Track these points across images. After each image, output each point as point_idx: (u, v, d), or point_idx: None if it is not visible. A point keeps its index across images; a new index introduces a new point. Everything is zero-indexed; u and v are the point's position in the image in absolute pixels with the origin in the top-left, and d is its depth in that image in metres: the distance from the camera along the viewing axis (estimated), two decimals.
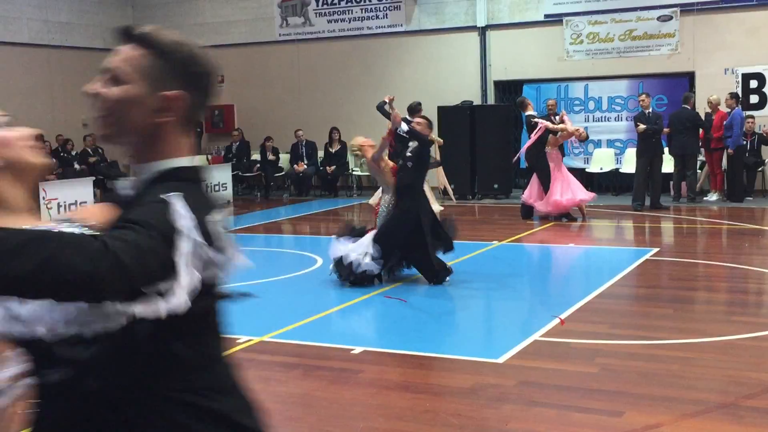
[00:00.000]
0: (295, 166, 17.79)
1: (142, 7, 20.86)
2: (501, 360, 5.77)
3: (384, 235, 8.13)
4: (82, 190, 14.33)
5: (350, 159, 18.23)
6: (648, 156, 13.84)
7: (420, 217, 8.05)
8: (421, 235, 8.03)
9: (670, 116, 14.49)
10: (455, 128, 16.19)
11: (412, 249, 8.17)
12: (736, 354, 5.78)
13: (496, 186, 16.10)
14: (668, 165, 14.73)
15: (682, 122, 14.17)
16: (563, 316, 6.87)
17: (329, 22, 18.88)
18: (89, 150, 18.09)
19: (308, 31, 19.10)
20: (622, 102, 16.57)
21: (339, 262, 8.19)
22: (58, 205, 13.82)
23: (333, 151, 17.68)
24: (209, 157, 19.46)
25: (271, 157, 18.27)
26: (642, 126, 13.68)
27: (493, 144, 16.15)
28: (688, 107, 14.29)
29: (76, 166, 17.51)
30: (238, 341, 6.40)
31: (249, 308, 7.52)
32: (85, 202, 14.29)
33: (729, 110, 14.31)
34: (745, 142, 14.60)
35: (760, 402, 4.86)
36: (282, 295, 8.18)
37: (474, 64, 17.53)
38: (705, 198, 14.74)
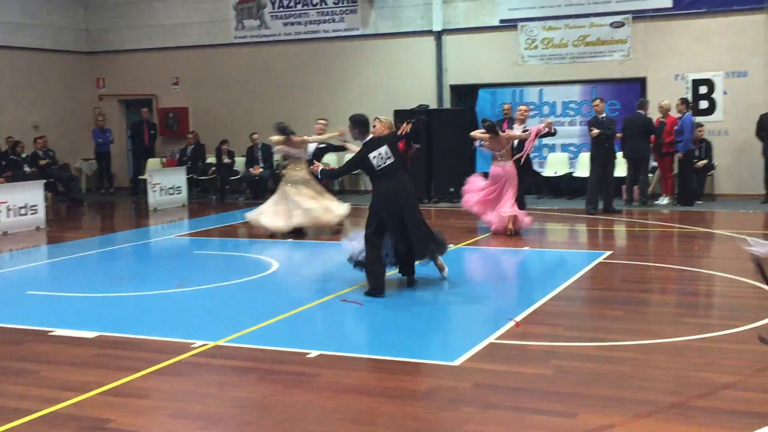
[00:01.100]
0: (250, 169, 17.67)
1: (95, 7, 20.59)
2: (457, 363, 5.79)
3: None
4: (33, 193, 14.06)
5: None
6: (601, 160, 14.05)
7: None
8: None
9: (623, 121, 14.72)
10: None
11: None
12: (687, 355, 5.88)
13: (452, 189, 16.16)
14: (621, 169, 14.96)
15: (635, 127, 14.41)
16: (518, 318, 6.93)
17: (285, 25, 18.83)
18: (40, 153, 17.78)
19: (264, 33, 19.03)
20: (576, 107, 16.79)
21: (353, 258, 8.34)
22: (8, 209, 13.55)
23: None
24: (163, 160, 19.27)
25: (226, 160, 18.15)
26: (596, 130, 13.89)
27: (449, 148, 16.25)
28: (643, 112, 14.53)
29: (27, 168, 17.18)
30: (192, 346, 6.34)
31: (204, 312, 7.52)
32: (36, 206, 14.03)
33: (680, 115, 14.58)
34: (694, 148, 14.88)
35: (709, 402, 4.95)
36: (237, 299, 8.12)
37: (430, 68, 17.61)
38: (656, 202, 14.99)
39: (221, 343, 6.43)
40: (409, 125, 8.31)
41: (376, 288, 7.97)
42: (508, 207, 11.60)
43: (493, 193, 11.76)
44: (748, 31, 15.45)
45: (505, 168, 11.73)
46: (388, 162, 8.18)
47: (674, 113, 14.80)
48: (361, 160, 8.33)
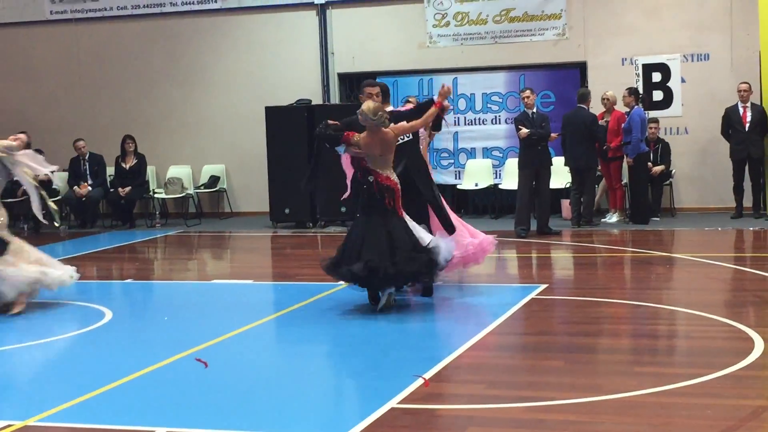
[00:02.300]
0: (75, 188, 17.32)
1: None
2: None
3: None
4: None
5: (150, 177, 17.97)
6: (533, 168, 14.32)
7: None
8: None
9: (562, 119, 15.05)
10: (289, 135, 16.25)
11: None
12: (639, 414, 6.02)
13: (343, 209, 16.14)
14: (558, 179, 15.29)
15: (577, 127, 14.70)
16: (427, 375, 6.97)
17: None
18: None
19: (90, 8, 18.73)
20: (500, 100, 17.12)
21: None
22: None
23: (127, 167, 17.37)
24: None
25: (42, 176, 17.70)
26: (524, 130, 14.16)
27: (338, 155, 16.24)
28: (585, 107, 14.89)
29: None
30: None
31: (8, 381, 7.30)
32: None
33: (627, 109, 15.02)
34: (647, 150, 15.35)
35: None
36: (56, 362, 7.94)
37: (312, 52, 17.68)
38: (603, 219, 15.37)
39: (32, 422, 6.25)
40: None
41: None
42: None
43: None
44: (708, 3, 16.08)
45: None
46: None
47: (621, 107, 15.23)
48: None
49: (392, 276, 9.04)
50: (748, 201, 15.29)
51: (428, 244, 9.19)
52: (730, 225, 14.59)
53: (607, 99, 15.32)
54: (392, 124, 9.32)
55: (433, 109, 9.56)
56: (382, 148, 9.27)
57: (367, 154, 9.31)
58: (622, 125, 14.98)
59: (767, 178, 15.32)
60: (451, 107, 9.76)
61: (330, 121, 9.57)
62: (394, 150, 9.40)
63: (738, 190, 15.22)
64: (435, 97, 9.79)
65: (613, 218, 15.43)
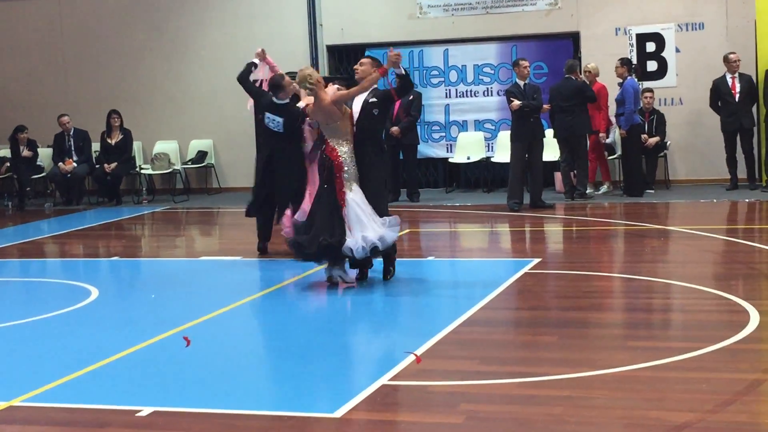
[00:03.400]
0: (60, 164, 17.28)
1: None
2: (338, 414, 5.78)
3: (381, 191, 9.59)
4: None
5: (137, 153, 17.92)
6: (525, 141, 14.30)
7: None
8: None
9: (550, 89, 15.03)
10: None
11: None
12: (633, 389, 6.03)
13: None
14: (551, 151, 15.29)
15: (566, 97, 14.70)
16: (419, 351, 6.97)
17: None
18: None
19: None
20: (492, 72, 17.09)
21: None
22: None
23: (113, 142, 17.31)
24: None
25: (25, 152, 17.70)
26: (516, 102, 14.13)
27: None
28: (573, 78, 14.88)
29: None
30: None
31: None
32: None
33: (620, 80, 15.01)
34: (642, 122, 15.36)
35: None
36: (41, 341, 7.91)
37: (300, 24, 17.63)
38: (589, 191, 15.31)
39: (16, 402, 6.24)
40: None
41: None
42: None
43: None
44: None
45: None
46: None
47: (604, 80, 15.22)
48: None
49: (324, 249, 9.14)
50: (742, 173, 15.30)
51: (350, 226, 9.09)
52: (725, 197, 14.61)
53: (589, 71, 15.30)
54: (336, 92, 9.30)
55: (374, 75, 9.27)
56: (324, 116, 9.24)
57: (314, 121, 9.70)
58: (615, 97, 14.99)
59: (762, 149, 15.35)
60: (403, 71, 9.18)
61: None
62: (343, 119, 9.25)
63: (731, 162, 15.24)
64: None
65: (602, 189, 15.48)
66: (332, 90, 9.38)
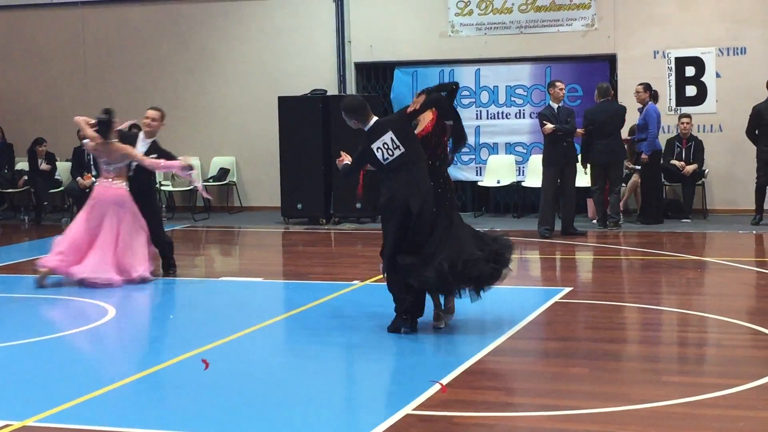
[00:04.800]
0: (79, 178, 17.34)
1: None
2: None
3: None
4: None
5: None
6: (558, 165, 14.28)
7: None
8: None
9: (585, 113, 14.98)
10: (302, 126, 16.28)
11: None
12: (666, 425, 6.01)
13: (358, 206, 16.19)
14: (584, 177, 15.25)
15: (607, 120, 14.56)
16: (445, 381, 6.97)
17: None
18: None
19: None
20: (525, 93, 17.10)
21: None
22: None
23: None
24: None
25: (44, 166, 17.82)
26: (549, 125, 14.11)
27: (354, 148, 16.19)
28: (610, 99, 14.83)
29: None
30: None
31: (6, 380, 7.32)
32: None
33: (640, 105, 15.10)
34: (680, 149, 15.36)
35: None
36: (56, 361, 7.95)
37: (328, 40, 17.69)
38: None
39: (30, 423, 6.27)
40: (421, 97, 8.42)
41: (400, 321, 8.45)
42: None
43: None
44: None
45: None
46: (396, 154, 8.29)
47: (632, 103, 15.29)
48: (363, 154, 8.55)
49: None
50: None
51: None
52: (765, 228, 14.52)
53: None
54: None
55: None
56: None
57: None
58: (637, 121, 15.00)
59: None
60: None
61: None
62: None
63: (761, 193, 15.08)
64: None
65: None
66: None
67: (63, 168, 18.23)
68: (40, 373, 7.59)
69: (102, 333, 8.95)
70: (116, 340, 8.74)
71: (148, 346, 8.45)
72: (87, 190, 17.28)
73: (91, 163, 17.44)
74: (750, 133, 15.13)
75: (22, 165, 18.29)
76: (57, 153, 18.10)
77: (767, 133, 14.90)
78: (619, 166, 14.97)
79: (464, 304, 9.24)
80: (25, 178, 18.02)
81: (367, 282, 10.94)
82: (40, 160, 17.79)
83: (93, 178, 17.28)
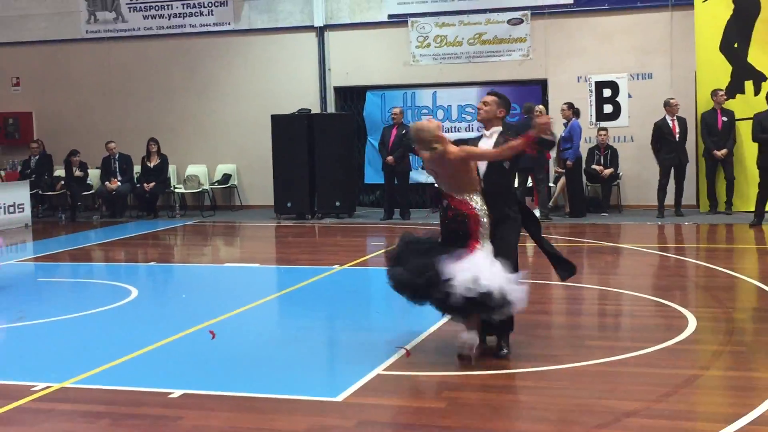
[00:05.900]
0: (106, 183, 17.28)
1: None
2: (340, 398, 5.80)
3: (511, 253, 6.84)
4: None
5: (171, 174, 17.92)
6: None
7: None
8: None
9: (503, 124, 14.95)
10: (291, 139, 16.24)
11: None
12: (590, 380, 6.06)
13: (337, 203, 16.22)
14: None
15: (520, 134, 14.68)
16: (409, 346, 6.99)
17: (145, 18, 18.52)
18: None
19: (121, 28, 18.66)
20: (473, 111, 17.08)
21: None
22: None
23: (151, 165, 17.31)
24: (2, 173, 18.63)
25: (77, 173, 17.69)
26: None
27: (334, 157, 16.28)
28: (531, 117, 14.87)
29: None
30: (33, 389, 6.14)
31: (48, 349, 7.30)
32: None
33: (565, 120, 15.19)
34: (599, 156, 15.48)
35: (611, 431, 5.11)
36: (88, 333, 7.92)
37: (312, 68, 17.65)
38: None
39: (68, 384, 6.25)
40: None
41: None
42: None
43: None
44: (652, 29, 16.11)
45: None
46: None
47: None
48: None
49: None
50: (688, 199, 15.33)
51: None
52: (668, 220, 14.63)
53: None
54: (465, 146, 6.84)
55: (517, 143, 6.63)
56: (450, 169, 6.79)
57: (431, 171, 7.15)
58: (562, 134, 15.06)
59: (700, 180, 15.39)
60: (553, 137, 7.22)
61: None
62: (471, 172, 6.79)
63: (662, 193, 15.09)
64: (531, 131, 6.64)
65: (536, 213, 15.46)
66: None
67: (93, 174, 18.12)
68: (75, 343, 7.58)
69: (126, 310, 8.92)
70: (138, 315, 8.70)
71: (166, 320, 8.42)
72: (113, 193, 17.26)
73: (117, 170, 17.38)
74: (653, 144, 15.21)
75: (59, 172, 18.16)
76: (88, 162, 17.98)
77: (667, 144, 15.00)
78: (541, 170, 15.02)
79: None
80: (62, 183, 17.90)
81: (346, 266, 10.94)
82: (74, 168, 17.67)
83: (118, 183, 17.23)
